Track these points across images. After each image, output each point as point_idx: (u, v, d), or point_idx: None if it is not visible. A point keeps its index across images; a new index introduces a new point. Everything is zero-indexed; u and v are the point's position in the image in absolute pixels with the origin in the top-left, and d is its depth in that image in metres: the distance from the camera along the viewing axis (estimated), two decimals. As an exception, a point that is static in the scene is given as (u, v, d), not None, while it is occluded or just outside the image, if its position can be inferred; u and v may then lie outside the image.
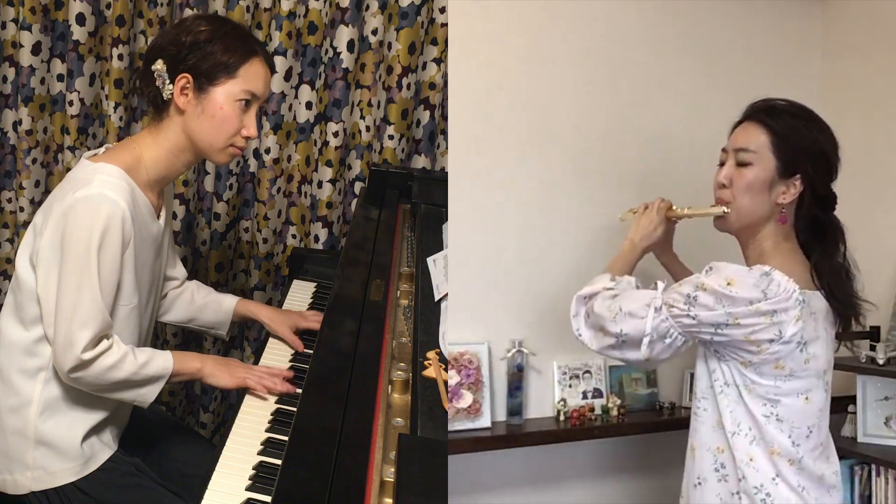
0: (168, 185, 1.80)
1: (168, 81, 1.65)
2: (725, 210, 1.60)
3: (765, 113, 1.59)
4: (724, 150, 1.63)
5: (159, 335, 2.68)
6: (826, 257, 1.58)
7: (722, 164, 1.62)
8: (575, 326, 1.70)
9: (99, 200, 1.55)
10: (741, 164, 1.58)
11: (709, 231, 1.68)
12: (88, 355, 1.57)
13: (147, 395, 1.67)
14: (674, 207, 1.77)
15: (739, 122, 1.63)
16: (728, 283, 1.47)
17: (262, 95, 1.71)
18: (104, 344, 1.60)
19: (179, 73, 1.64)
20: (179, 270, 1.97)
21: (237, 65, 1.66)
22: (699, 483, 1.60)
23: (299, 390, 1.69)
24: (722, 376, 1.56)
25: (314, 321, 1.95)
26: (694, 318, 1.51)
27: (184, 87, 1.65)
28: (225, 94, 1.66)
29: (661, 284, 1.61)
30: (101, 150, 1.73)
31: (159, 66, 1.66)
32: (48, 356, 1.64)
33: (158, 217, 1.74)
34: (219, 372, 1.74)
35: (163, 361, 1.67)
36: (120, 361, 1.61)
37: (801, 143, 1.56)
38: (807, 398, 1.54)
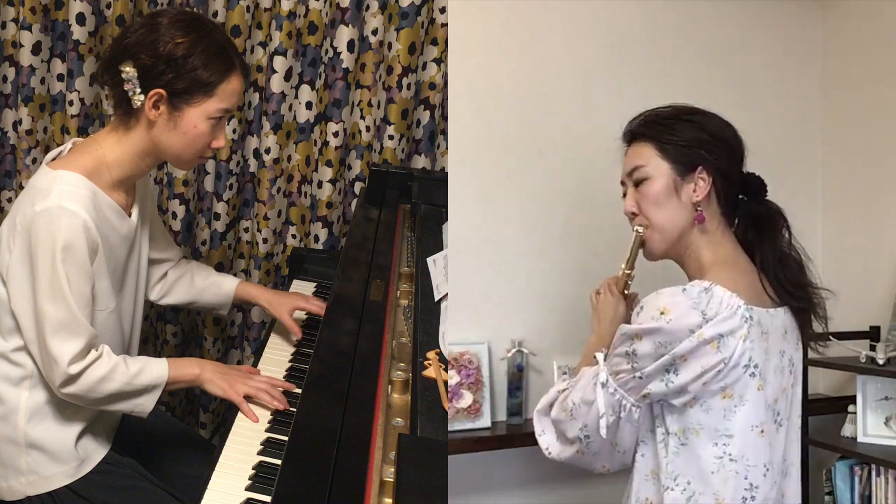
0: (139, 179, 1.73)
1: (139, 91, 1.57)
2: (639, 230, 1.48)
3: (640, 126, 1.50)
4: (622, 182, 1.53)
5: (159, 335, 2.68)
6: (769, 246, 1.45)
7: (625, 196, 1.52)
8: (544, 446, 1.52)
9: (58, 214, 1.51)
10: (639, 184, 1.47)
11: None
12: (76, 369, 1.54)
13: (144, 406, 1.63)
14: (620, 274, 1.56)
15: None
16: (661, 314, 1.31)
17: (235, 108, 1.66)
18: (92, 355, 1.57)
19: (153, 87, 1.56)
20: (172, 252, 1.94)
21: (215, 84, 1.59)
22: None
23: (298, 390, 1.69)
24: (663, 424, 1.38)
25: (315, 304, 1.94)
26: (641, 377, 1.34)
27: (156, 101, 1.58)
28: (200, 113, 1.59)
29: (600, 356, 1.43)
30: (66, 148, 1.66)
31: (130, 70, 1.57)
32: (30, 366, 1.61)
33: (130, 214, 1.69)
34: (218, 379, 1.70)
35: (157, 370, 1.64)
36: (111, 372, 1.58)
37: (685, 134, 1.45)
38: (762, 431, 1.36)
